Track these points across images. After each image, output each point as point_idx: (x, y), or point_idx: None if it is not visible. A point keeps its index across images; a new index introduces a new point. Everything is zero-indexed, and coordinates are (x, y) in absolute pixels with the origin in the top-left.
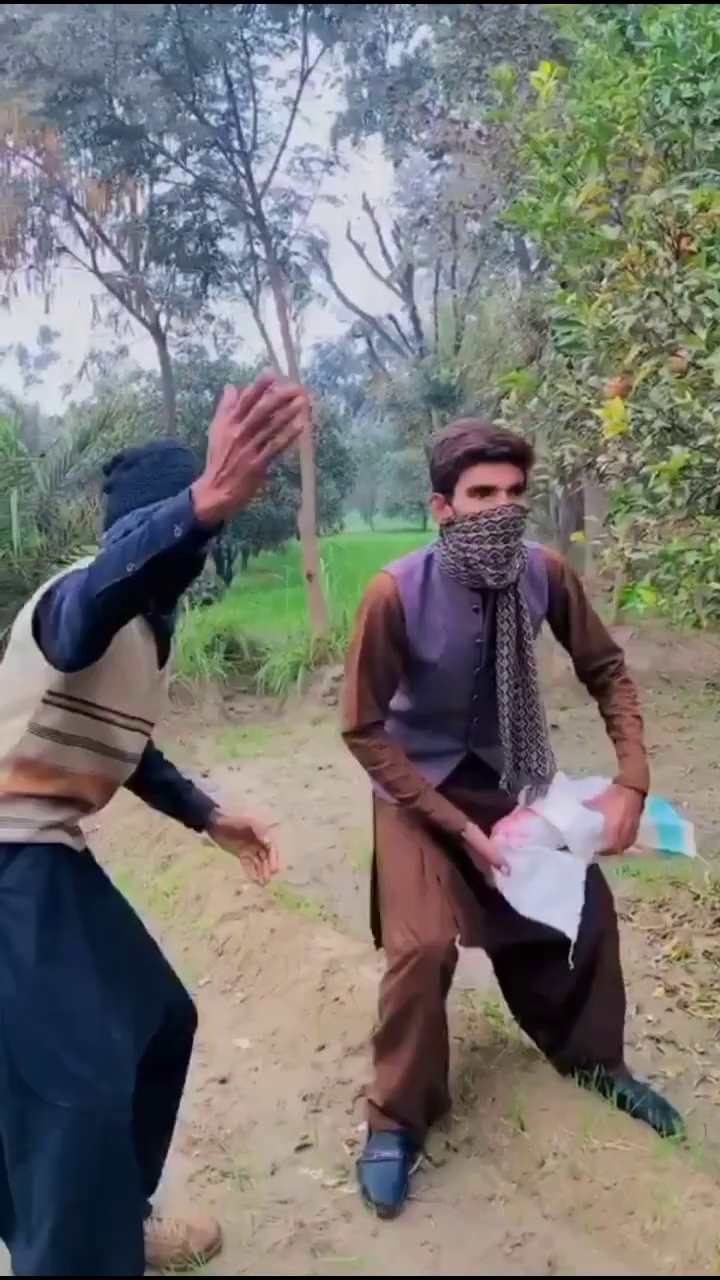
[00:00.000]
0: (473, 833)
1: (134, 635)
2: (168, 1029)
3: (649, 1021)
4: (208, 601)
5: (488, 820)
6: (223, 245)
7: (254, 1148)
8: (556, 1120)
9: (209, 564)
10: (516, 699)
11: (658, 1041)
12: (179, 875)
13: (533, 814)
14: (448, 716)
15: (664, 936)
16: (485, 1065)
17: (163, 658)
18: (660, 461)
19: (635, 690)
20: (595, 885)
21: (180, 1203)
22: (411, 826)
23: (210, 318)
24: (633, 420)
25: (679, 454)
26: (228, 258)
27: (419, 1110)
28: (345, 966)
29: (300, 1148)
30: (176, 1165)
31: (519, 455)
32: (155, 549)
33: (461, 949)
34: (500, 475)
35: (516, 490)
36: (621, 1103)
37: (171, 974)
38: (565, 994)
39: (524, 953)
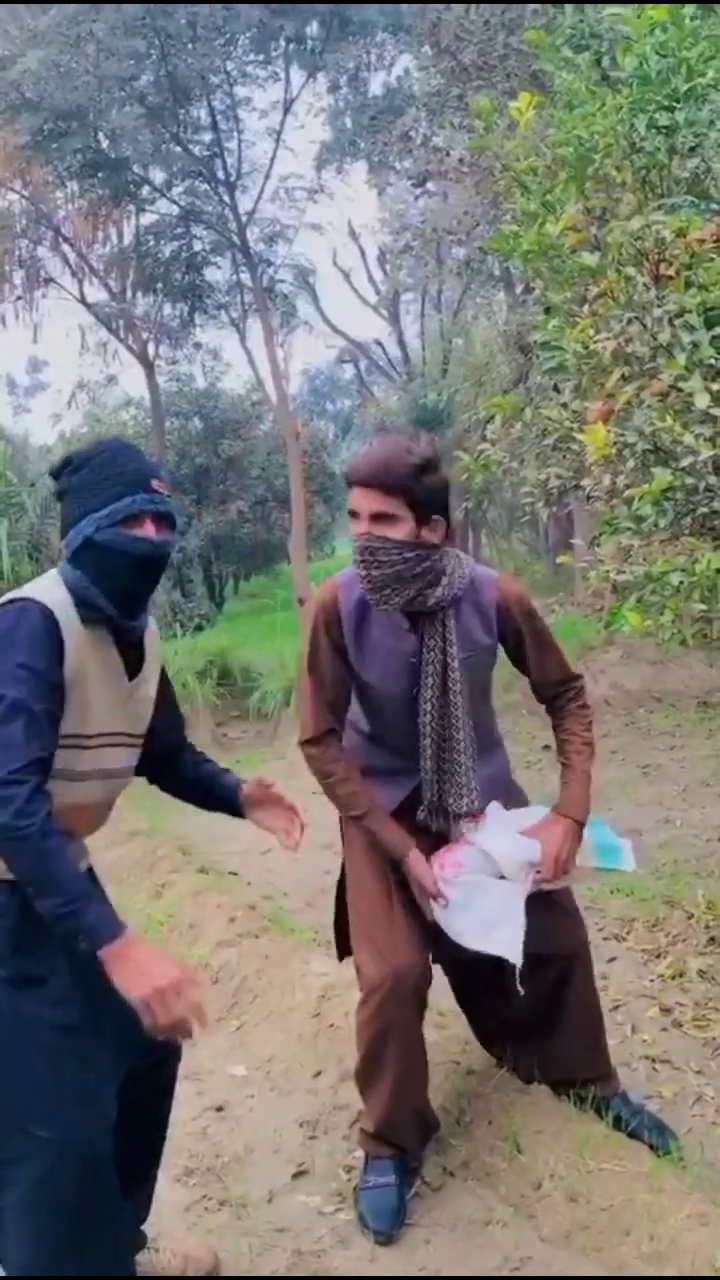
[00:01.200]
0: (414, 861)
1: (88, 660)
2: (150, 1057)
3: (644, 1041)
4: (199, 627)
5: (437, 842)
6: (209, 274)
7: (251, 1175)
8: (553, 1142)
9: (200, 589)
10: (436, 730)
11: (653, 1061)
12: (172, 903)
13: (468, 844)
14: (399, 736)
15: (658, 956)
16: (481, 1088)
17: (134, 667)
18: (643, 484)
19: (589, 717)
20: (563, 909)
21: (177, 1232)
22: (375, 847)
23: (198, 346)
24: (615, 443)
25: (662, 476)
26: (214, 286)
27: (412, 1132)
28: (340, 992)
29: (297, 1175)
30: (173, 1194)
31: (377, 482)
32: (53, 914)
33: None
34: (360, 499)
35: (379, 518)
36: (617, 1123)
37: None
38: (529, 1010)
39: (483, 968)
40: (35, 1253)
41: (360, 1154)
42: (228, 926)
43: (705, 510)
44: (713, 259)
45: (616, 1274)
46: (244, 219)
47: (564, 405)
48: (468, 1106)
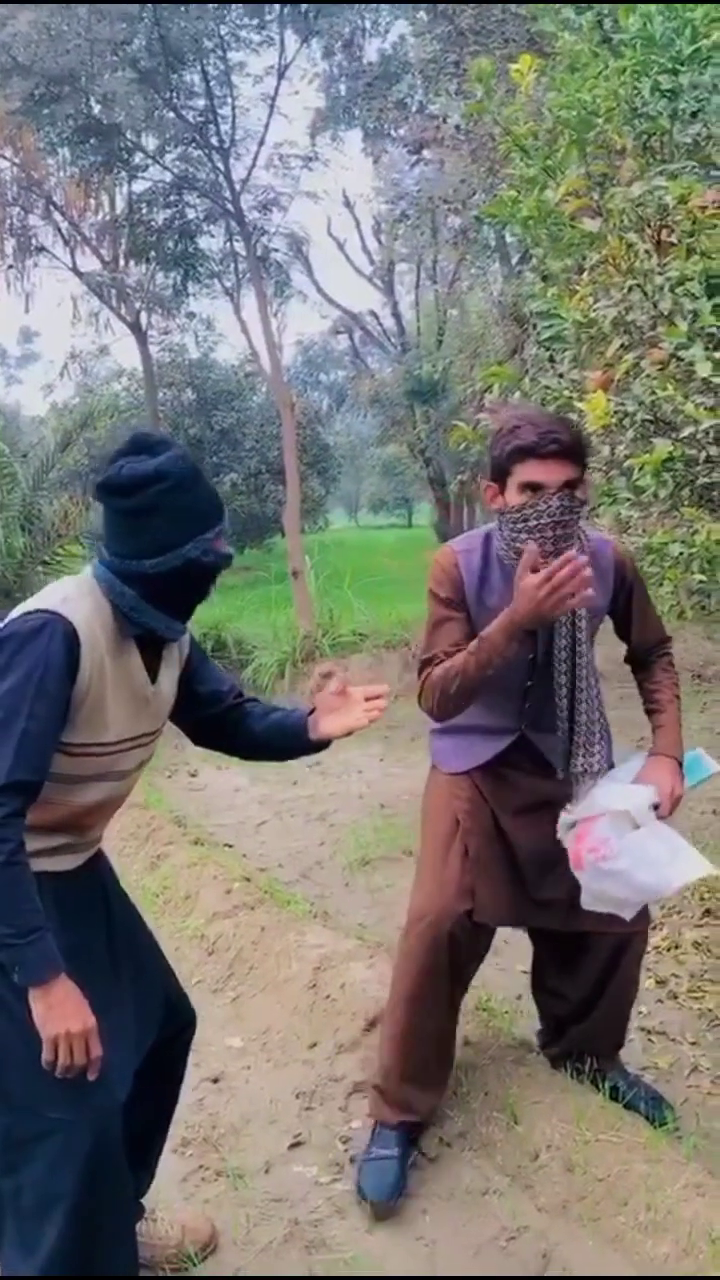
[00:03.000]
0: (521, 580)
1: (108, 672)
2: (167, 1033)
3: (640, 1013)
4: None
5: (536, 809)
6: (202, 243)
7: (247, 1146)
8: (550, 1113)
9: None
10: (571, 693)
11: (649, 1033)
12: (168, 875)
13: (596, 818)
14: (502, 696)
15: (653, 928)
16: (478, 1059)
17: (153, 668)
18: (643, 454)
19: (677, 675)
20: None
21: (175, 1202)
22: (454, 796)
23: (191, 315)
24: (615, 413)
25: (662, 446)
26: (207, 255)
27: (419, 1092)
28: (336, 963)
29: (293, 1145)
30: (170, 1165)
31: (571, 451)
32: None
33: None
34: (550, 472)
35: (570, 485)
36: (614, 1095)
37: (174, 979)
38: (580, 998)
39: (564, 944)
40: (56, 1232)
41: (358, 1124)
42: (223, 898)
43: (705, 481)
44: (715, 226)
45: (644, 1274)
46: (238, 186)
47: (562, 375)
48: (465, 1077)
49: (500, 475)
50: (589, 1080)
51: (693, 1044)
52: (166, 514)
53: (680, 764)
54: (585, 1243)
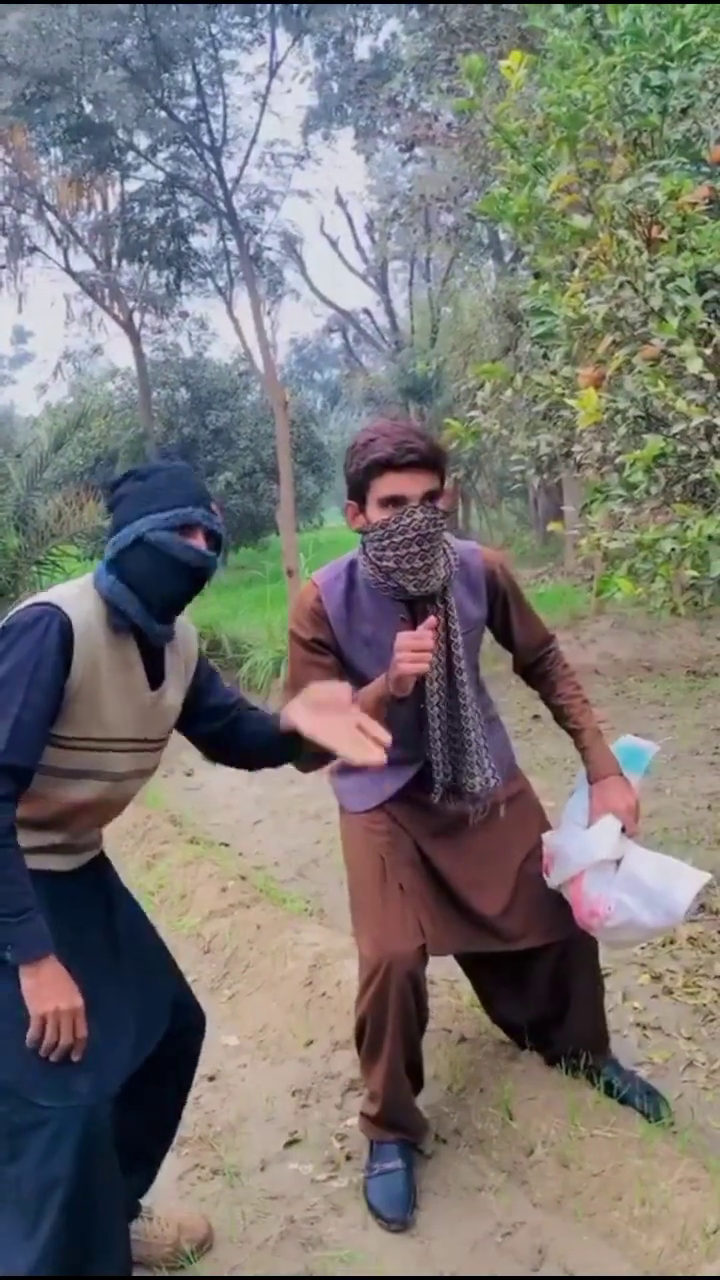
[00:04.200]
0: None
1: (103, 669)
2: (173, 1032)
3: (635, 1009)
4: None
5: (453, 829)
6: (195, 241)
7: (243, 1144)
8: (544, 1109)
9: None
10: (444, 713)
11: (644, 1028)
12: (164, 874)
13: (579, 877)
14: (398, 726)
15: None
16: (472, 1056)
17: (156, 675)
18: (635, 450)
19: (574, 673)
20: (557, 896)
21: (171, 1201)
22: (371, 832)
23: (184, 314)
24: (607, 410)
25: (653, 442)
26: (200, 254)
27: (413, 1116)
28: (331, 961)
29: (290, 1143)
30: (166, 1164)
31: (429, 461)
32: None
33: (433, 956)
34: (410, 484)
35: (431, 496)
36: (609, 1090)
37: (181, 978)
38: (545, 1009)
39: (503, 968)
40: (51, 1221)
41: (354, 1121)
42: (219, 897)
43: (697, 477)
44: (705, 222)
45: (646, 1274)
46: (230, 185)
47: (554, 372)
48: (459, 1074)
49: (359, 492)
50: (584, 1076)
51: (688, 1039)
52: (129, 499)
53: (620, 775)
54: (580, 1238)
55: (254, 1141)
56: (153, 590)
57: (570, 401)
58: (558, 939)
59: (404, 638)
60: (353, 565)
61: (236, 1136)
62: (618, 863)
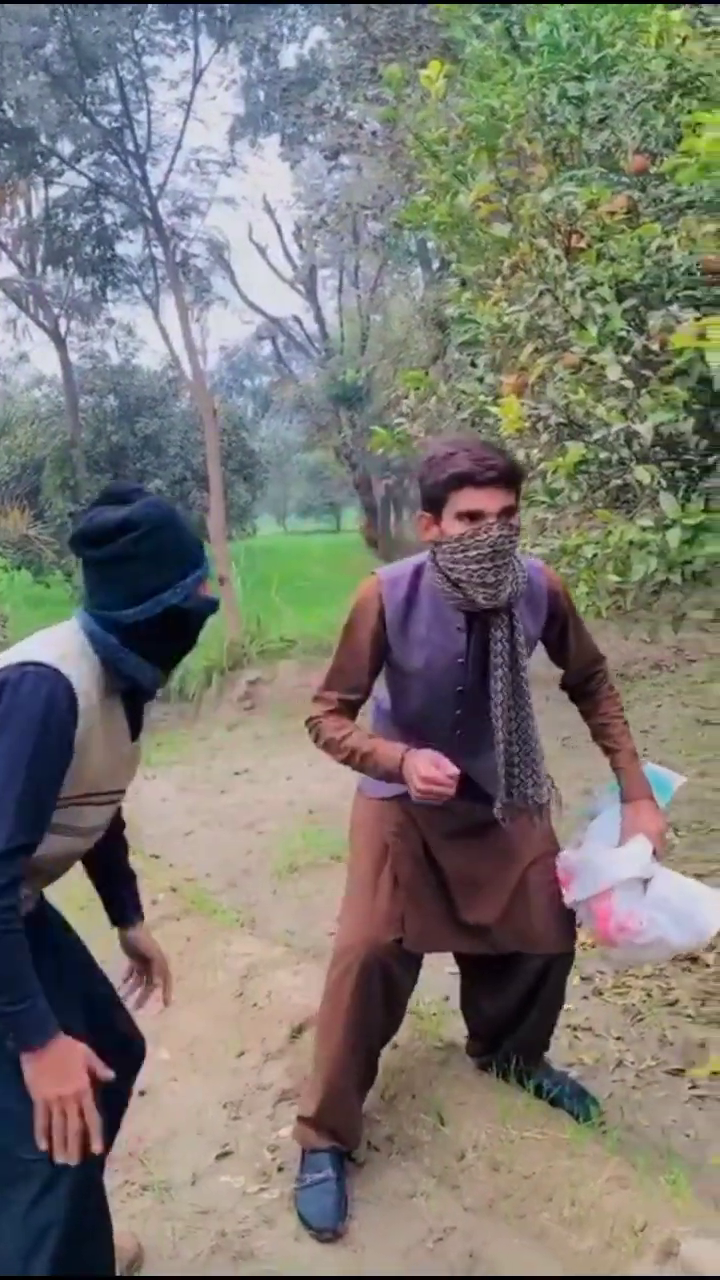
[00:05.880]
0: (411, 755)
1: (97, 727)
2: (118, 1065)
3: (566, 1010)
4: None
5: (468, 834)
6: (121, 248)
7: (174, 1159)
8: (475, 1113)
9: None
10: (510, 723)
11: (574, 1029)
12: (93, 888)
13: (609, 893)
14: (431, 728)
15: (578, 925)
16: (405, 1062)
17: (136, 728)
18: (557, 457)
19: (619, 696)
20: (561, 909)
21: None
22: (381, 820)
23: (111, 321)
24: (529, 417)
25: (575, 449)
26: (126, 260)
27: (350, 1118)
28: (263, 972)
29: (221, 1156)
30: None
31: (508, 479)
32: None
33: (412, 950)
34: (489, 500)
35: (507, 512)
36: (539, 1092)
37: (126, 1016)
38: (510, 1014)
39: (491, 967)
40: (29, 1268)
41: (286, 1131)
42: (149, 910)
43: (618, 483)
44: (624, 231)
45: (576, 1275)
46: (155, 192)
47: (479, 379)
48: (392, 1081)
49: (435, 505)
50: (514, 1079)
51: (617, 1039)
52: (142, 561)
53: (653, 798)
54: (511, 1240)
55: (184, 1155)
56: (169, 649)
57: (493, 409)
58: (547, 952)
59: (426, 770)
60: (419, 571)
61: (167, 1151)
62: (644, 883)
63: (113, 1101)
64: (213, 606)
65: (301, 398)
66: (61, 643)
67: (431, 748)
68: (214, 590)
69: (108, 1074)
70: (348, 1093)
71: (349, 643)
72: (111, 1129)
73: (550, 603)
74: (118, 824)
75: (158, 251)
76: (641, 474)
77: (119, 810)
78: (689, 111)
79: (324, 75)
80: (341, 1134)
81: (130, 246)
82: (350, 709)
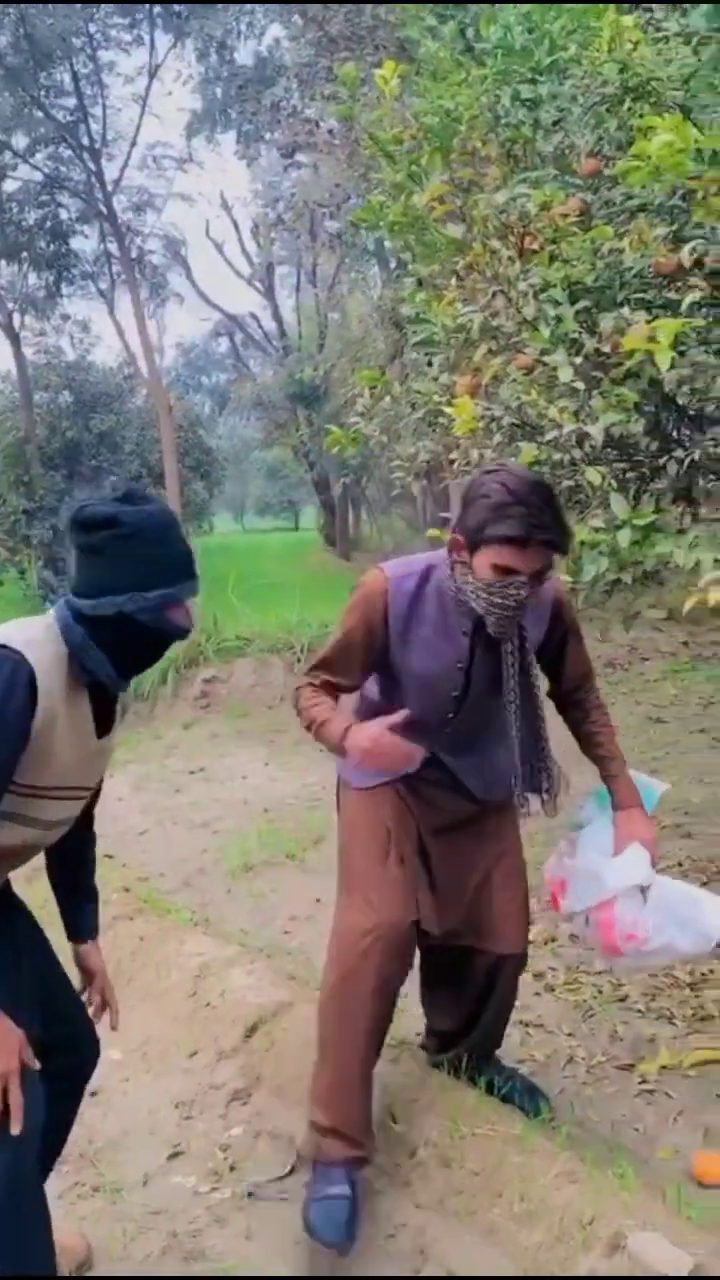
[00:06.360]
0: (355, 730)
1: (59, 717)
2: (70, 1060)
3: (518, 1006)
4: None
5: (452, 831)
6: (76, 243)
7: (125, 1159)
8: (426, 1111)
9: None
10: (524, 727)
11: (526, 1025)
12: (46, 888)
13: (610, 902)
14: (422, 727)
15: (530, 922)
16: None
17: (105, 724)
18: (510, 458)
19: (606, 707)
20: (518, 908)
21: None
22: (378, 805)
23: (66, 317)
24: (483, 417)
25: (528, 450)
26: (81, 256)
27: (367, 1117)
28: (216, 971)
29: (172, 1156)
30: (47, 1185)
31: (555, 546)
32: None
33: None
34: (528, 562)
35: (539, 574)
36: (490, 1089)
37: (83, 1014)
38: (464, 1014)
39: (447, 962)
40: None
41: (238, 1130)
42: (102, 909)
43: (570, 484)
44: (576, 233)
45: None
46: (110, 187)
47: (434, 379)
48: None
49: (473, 540)
50: (465, 1077)
51: (569, 1035)
52: (109, 559)
53: (643, 806)
54: (462, 1237)
55: (136, 1156)
56: (126, 655)
57: (448, 409)
58: (500, 952)
59: (367, 744)
60: (429, 570)
61: (118, 1152)
62: (643, 891)
63: (63, 1099)
64: (176, 633)
65: (259, 395)
66: (32, 628)
67: (418, 744)
68: (187, 618)
69: (34, 1064)
70: (366, 1089)
71: (345, 637)
72: (63, 1127)
73: (554, 614)
74: (88, 838)
75: (113, 247)
76: (593, 475)
77: (90, 820)
78: (640, 115)
79: (281, 73)
80: (361, 1139)
81: (85, 242)
82: (334, 691)
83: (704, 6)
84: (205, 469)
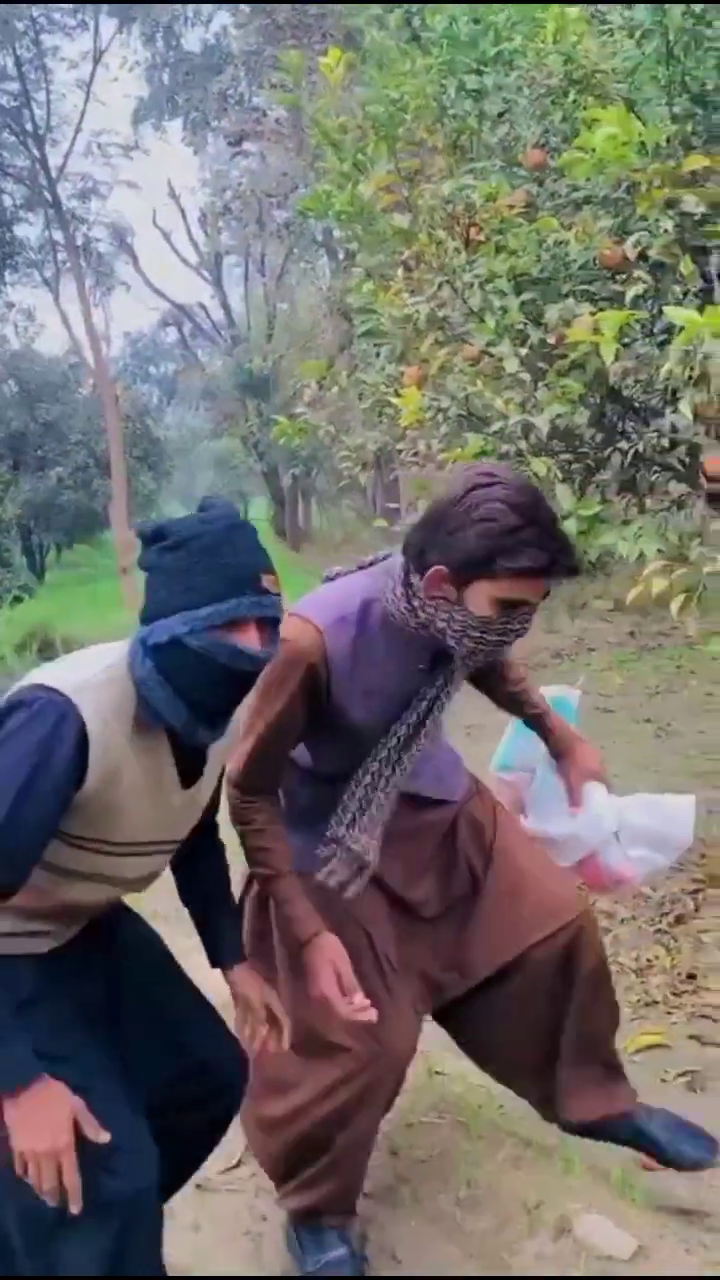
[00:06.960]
0: (325, 944)
1: (126, 770)
2: (191, 1089)
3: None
4: (18, 599)
5: (408, 839)
6: (19, 230)
7: None
8: None
9: (18, 559)
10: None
11: None
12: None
13: (594, 855)
14: (349, 773)
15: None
16: None
17: (190, 775)
18: (456, 448)
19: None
20: (560, 878)
21: None
22: (327, 908)
23: (10, 305)
24: (429, 408)
25: (474, 441)
26: (25, 243)
27: (358, 1185)
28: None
29: None
30: None
31: (576, 572)
32: None
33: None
34: (541, 589)
35: (545, 595)
36: (639, 1137)
37: (214, 1031)
38: (532, 1028)
39: (465, 999)
40: None
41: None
42: None
43: None
44: (522, 225)
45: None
46: (55, 174)
47: (382, 370)
48: None
49: (470, 570)
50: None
51: None
52: (162, 576)
53: (581, 738)
54: (409, 1224)
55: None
56: (198, 697)
57: (395, 400)
58: (567, 920)
59: (329, 978)
60: (366, 606)
61: None
62: (616, 835)
63: (197, 1141)
64: (237, 659)
65: (208, 386)
66: (92, 665)
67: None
68: (256, 642)
69: (100, 1136)
70: (361, 1171)
71: (277, 722)
72: (192, 1163)
73: None
74: (207, 847)
75: (58, 234)
76: (538, 466)
77: (211, 829)
78: (585, 108)
79: (228, 60)
80: (353, 1204)
81: (30, 229)
82: (277, 803)
83: None
84: (153, 460)
